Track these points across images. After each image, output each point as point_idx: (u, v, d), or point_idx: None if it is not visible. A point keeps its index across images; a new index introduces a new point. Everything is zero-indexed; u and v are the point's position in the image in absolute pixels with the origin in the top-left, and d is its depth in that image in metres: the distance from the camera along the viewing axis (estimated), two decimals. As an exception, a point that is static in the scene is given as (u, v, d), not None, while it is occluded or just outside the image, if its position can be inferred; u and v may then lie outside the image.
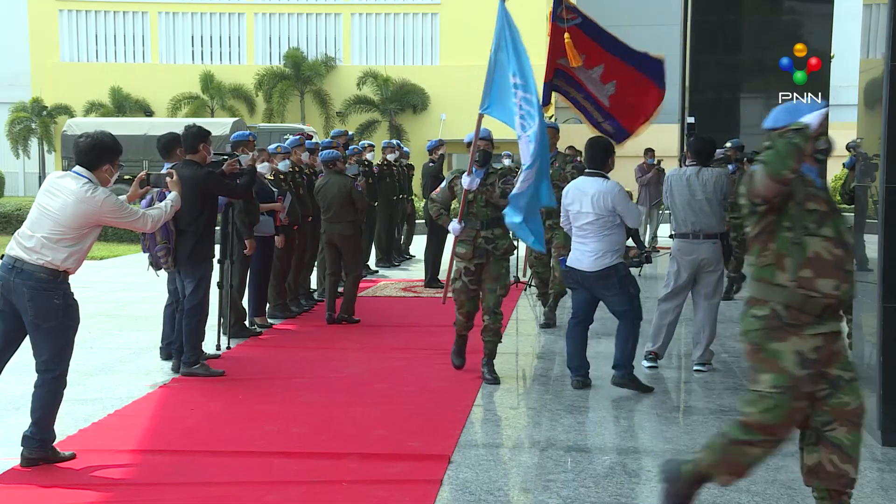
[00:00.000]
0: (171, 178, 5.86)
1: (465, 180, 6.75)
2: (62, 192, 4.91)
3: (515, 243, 7.63)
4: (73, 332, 4.96)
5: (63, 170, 5.91)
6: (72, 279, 4.98)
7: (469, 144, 6.89)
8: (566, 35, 7.30)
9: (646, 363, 7.23)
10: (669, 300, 7.28)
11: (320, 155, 9.42)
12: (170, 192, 5.81)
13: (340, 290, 9.32)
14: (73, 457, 4.98)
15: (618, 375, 6.53)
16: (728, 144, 10.85)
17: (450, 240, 7.37)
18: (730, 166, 10.15)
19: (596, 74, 7.42)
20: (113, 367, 7.26)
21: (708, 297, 7.21)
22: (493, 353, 6.87)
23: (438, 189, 7.18)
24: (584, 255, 6.52)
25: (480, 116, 6.80)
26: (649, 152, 16.55)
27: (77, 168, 5.01)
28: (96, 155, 5.01)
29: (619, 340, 6.58)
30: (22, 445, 4.88)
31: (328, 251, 9.22)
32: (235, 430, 5.57)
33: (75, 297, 4.98)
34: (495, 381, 6.74)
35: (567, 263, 6.69)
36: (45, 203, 4.92)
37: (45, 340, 4.84)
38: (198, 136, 6.94)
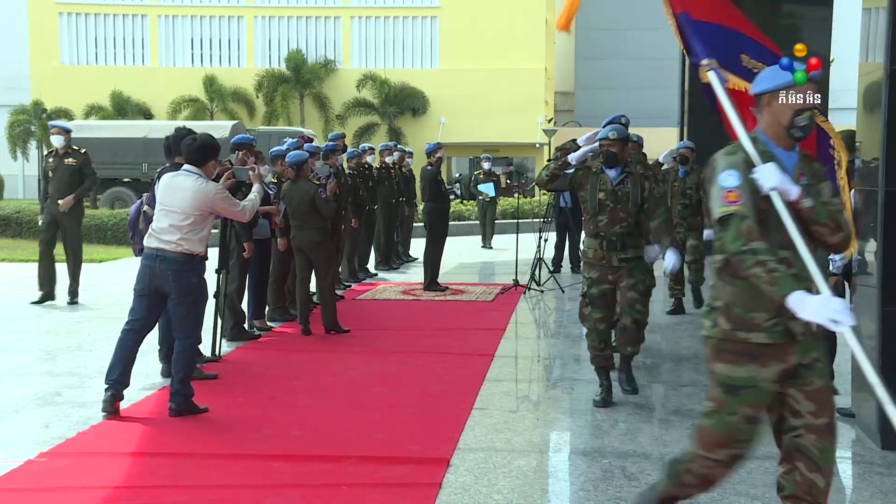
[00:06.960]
0: (254, 171, 6.74)
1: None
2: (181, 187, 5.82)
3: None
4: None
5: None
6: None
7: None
8: None
9: None
10: None
11: (287, 157, 8.81)
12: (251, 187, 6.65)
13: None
14: (205, 410, 5.90)
15: None
16: (690, 144, 10.09)
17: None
18: (681, 168, 9.71)
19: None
20: (112, 370, 7.23)
21: None
22: None
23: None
24: None
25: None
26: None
27: (186, 166, 5.87)
28: (206, 152, 5.90)
29: None
30: (170, 401, 5.81)
31: (297, 258, 8.91)
32: (234, 432, 5.57)
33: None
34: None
35: None
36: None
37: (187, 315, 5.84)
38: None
